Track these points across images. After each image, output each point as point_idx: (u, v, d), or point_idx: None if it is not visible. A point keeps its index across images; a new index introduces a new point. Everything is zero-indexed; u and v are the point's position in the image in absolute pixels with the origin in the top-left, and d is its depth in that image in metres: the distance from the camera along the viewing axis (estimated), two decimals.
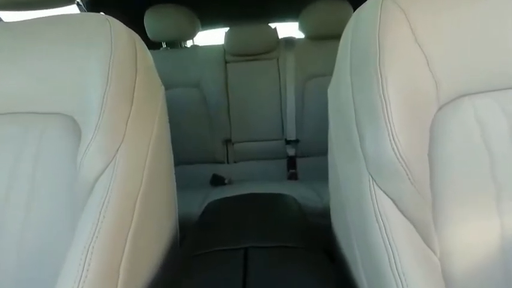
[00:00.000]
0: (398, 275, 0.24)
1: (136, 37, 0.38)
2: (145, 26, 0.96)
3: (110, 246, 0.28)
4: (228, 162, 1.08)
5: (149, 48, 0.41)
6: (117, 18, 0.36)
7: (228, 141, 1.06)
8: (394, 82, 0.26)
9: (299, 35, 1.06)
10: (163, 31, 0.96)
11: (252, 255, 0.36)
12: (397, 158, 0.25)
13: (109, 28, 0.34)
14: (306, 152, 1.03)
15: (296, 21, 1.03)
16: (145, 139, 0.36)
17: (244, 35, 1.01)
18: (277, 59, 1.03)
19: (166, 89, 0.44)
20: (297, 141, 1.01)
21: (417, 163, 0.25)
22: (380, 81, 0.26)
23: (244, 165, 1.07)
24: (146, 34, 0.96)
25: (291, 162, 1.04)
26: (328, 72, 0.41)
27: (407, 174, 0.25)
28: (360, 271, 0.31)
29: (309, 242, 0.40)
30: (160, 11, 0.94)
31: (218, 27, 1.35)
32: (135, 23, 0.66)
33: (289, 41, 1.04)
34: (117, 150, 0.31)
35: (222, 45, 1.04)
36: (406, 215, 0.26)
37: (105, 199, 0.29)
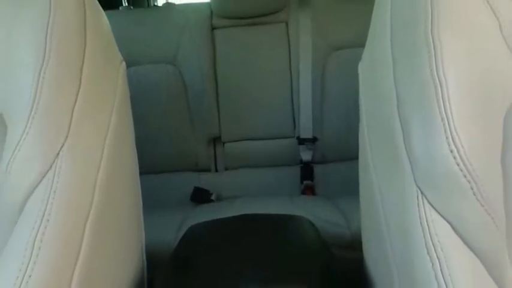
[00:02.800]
0: None
1: None
2: None
3: None
4: (216, 170, 1.09)
5: (104, 8, 0.42)
6: None
7: (216, 141, 1.07)
8: (453, 57, 0.26)
9: None
10: None
11: None
12: (458, 166, 0.25)
13: None
14: (327, 156, 1.03)
15: None
16: (98, 136, 0.36)
17: None
18: (287, 24, 1.03)
19: (128, 65, 0.45)
20: (314, 140, 1.02)
21: (486, 173, 0.26)
22: (433, 55, 0.26)
23: (239, 174, 1.08)
24: None
25: (306, 170, 1.04)
26: (358, 43, 0.40)
27: (472, 189, 0.25)
28: None
29: (336, 286, 0.40)
30: None
31: None
32: None
33: None
34: (59, 151, 0.31)
35: (208, 3, 1.04)
36: (470, 245, 0.26)
37: (42, 222, 0.29)
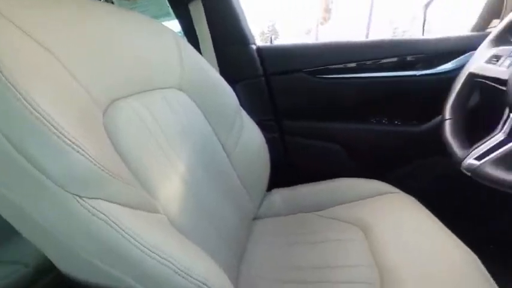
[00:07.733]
0: (148, 249, 0.23)
1: None
2: None
3: None
4: None
5: None
6: None
7: None
8: (43, 96, 0.21)
9: None
10: None
11: None
12: (94, 164, 0.22)
13: None
14: None
15: None
16: None
17: None
18: None
19: None
20: None
21: (111, 161, 0.24)
22: (22, 98, 0.20)
23: None
24: None
25: None
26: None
27: (109, 174, 0.23)
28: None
29: None
30: None
31: None
32: None
33: None
34: None
35: None
36: (127, 205, 0.24)
37: None
